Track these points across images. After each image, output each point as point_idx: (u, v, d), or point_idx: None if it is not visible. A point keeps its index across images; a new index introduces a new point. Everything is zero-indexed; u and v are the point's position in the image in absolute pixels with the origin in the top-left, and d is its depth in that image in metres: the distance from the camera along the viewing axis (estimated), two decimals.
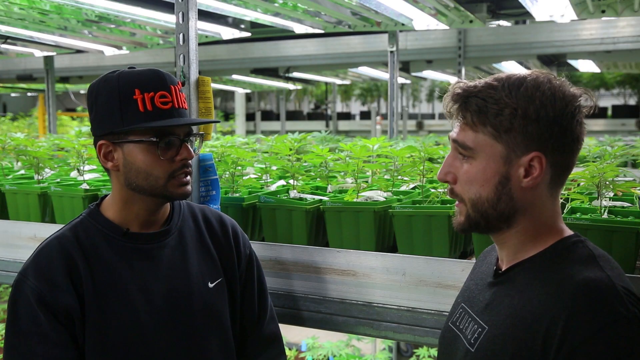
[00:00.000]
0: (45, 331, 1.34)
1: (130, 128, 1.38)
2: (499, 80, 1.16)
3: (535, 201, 1.17)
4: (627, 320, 1.02)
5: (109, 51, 4.60)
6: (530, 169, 1.14)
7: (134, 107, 1.39)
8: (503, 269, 1.24)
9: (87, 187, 2.34)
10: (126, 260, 1.43)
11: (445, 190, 1.29)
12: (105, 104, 1.41)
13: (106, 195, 1.54)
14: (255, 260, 1.68)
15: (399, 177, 2.36)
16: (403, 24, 3.57)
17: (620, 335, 1.01)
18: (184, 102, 1.46)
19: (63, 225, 1.52)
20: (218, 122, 1.78)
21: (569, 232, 1.21)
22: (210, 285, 1.53)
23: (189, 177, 1.47)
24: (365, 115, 13.21)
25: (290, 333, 5.45)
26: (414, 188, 2.31)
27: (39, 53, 5.10)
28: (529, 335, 1.08)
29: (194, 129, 1.54)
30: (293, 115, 13.17)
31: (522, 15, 3.61)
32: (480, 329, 1.19)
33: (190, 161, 1.46)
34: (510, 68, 6.90)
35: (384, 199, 2.04)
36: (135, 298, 1.41)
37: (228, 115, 13.99)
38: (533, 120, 1.12)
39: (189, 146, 1.46)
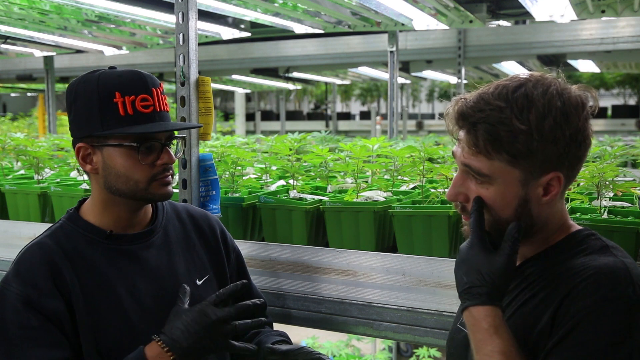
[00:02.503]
0: (38, 335, 1.30)
1: (110, 133, 1.35)
2: (504, 99, 1.09)
3: (552, 212, 1.17)
4: (631, 301, 1.02)
5: (109, 51, 4.59)
6: (549, 187, 1.13)
7: (114, 111, 1.35)
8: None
9: (87, 187, 2.34)
10: (112, 263, 1.40)
11: (455, 206, 1.25)
12: (85, 106, 1.37)
13: (85, 199, 1.50)
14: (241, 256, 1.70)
15: (399, 177, 2.36)
16: (403, 24, 3.57)
17: (619, 312, 1.02)
18: (166, 105, 1.44)
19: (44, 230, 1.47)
20: (200, 126, 1.75)
21: (578, 226, 1.22)
22: (198, 282, 1.51)
23: (170, 178, 1.44)
24: (365, 115, 13.20)
25: (290, 333, 5.44)
26: (414, 188, 2.31)
27: (39, 53, 5.09)
28: (541, 322, 1.09)
29: (177, 132, 1.52)
30: (293, 115, 13.16)
31: (522, 15, 3.61)
32: None
33: (171, 165, 1.43)
34: (510, 68, 6.90)
35: (384, 199, 2.04)
36: (124, 300, 1.39)
37: (228, 115, 13.99)
38: (550, 142, 1.08)
39: (170, 150, 1.43)
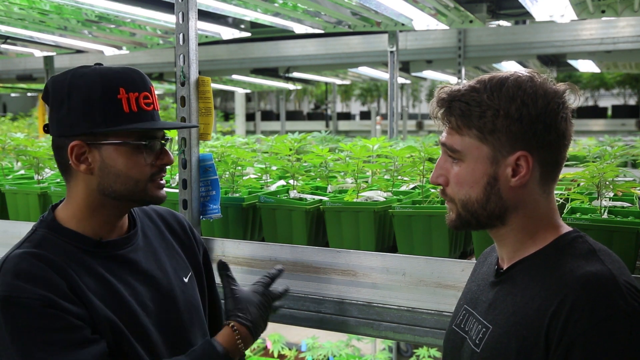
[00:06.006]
0: (73, 336, 1.22)
1: (117, 129, 1.31)
2: (481, 82, 1.17)
3: (526, 199, 1.18)
4: (626, 313, 1.03)
5: (109, 51, 4.59)
6: (518, 168, 1.15)
7: (117, 107, 1.31)
8: (504, 268, 1.24)
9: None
10: (108, 269, 1.35)
11: (438, 191, 1.30)
12: (83, 101, 1.31)
13: (57, 205, 1.41)
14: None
15: (399, 177, 2.36)
16: (403, 24, 3.57)
17: (619, 328, 1.02)
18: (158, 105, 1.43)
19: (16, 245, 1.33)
20: (195, 125, 1.72)
21: (567, 228, 1.22)
22: (185, 280, 1.51)
23: (164, 181, 1.43)
24: (365, 115, 13.19)
25: (290, 333, 5.45)
26: (414, 188, 2.31)
27: (39, 53, 5.09)
28: (532, 332, 1.09)
29: (169, 132, 1.52)
30: (293, 115, 13.15)
31: (522, 15, 3.61)
32: (484, 329, 1.20)
33: (168, 166, 1.43)
34: (510, 68, 6.88)
35: (384, 199, 2.04)
36: (131, 304, 1.35)
37: (228, 115, 13.98)
38: (515, 119, 1.13)
39: (168, 150, 1.42)
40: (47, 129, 1.40)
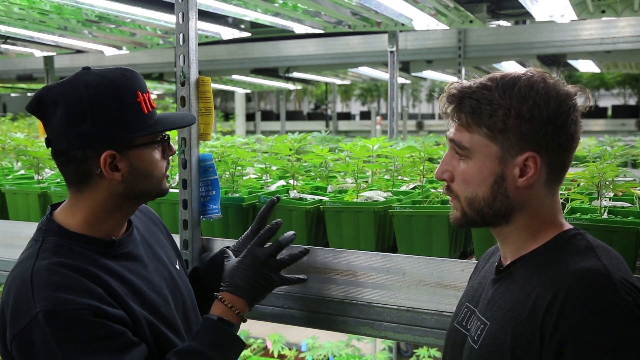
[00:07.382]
0: (121, 340, 1.24)
1: (149, 132, 1.34)
2: (493, 80, 1.16)
3: (531, 199, 1.18)
4: (619, 308, 1.03)
5: (109, 51, 4.59)
6: (525, 169, 1.15)
7: (138, 111, 1.33)
8: (505, 265, 1.24)
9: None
10: (124, 268, 1.38)
11: (442, 187, 1.30)
12: (112, 110, 1.30)
13: (52, 211, 1.40)
14: None
15: (399, 177, 2.36)
16: (403, 24, 3.57)
17: (611, 323, 1.02)
18: None
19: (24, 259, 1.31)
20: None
21: (568, 226, 1.22)
22: (177, 267, 1.58)
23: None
24: (365, 115, 13.20)
25: (290, 333, 5.45)
26: (414, 188, 2.31)
27: (39, 53, 5.09)
28: (527, 327, 1.10)
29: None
30: (293, 115, 13.16)
31: (522, 15, 3.61)
32: (483, 325, 1.20)
33: None
34: (510, 68, 6.89)
35: (384, 199, 2.04)
36: (152, 297, 1.40)
37: (228, 115, 13.98)
38: (526, 120, 1.13)
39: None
40: (49, 143, 1.35)
